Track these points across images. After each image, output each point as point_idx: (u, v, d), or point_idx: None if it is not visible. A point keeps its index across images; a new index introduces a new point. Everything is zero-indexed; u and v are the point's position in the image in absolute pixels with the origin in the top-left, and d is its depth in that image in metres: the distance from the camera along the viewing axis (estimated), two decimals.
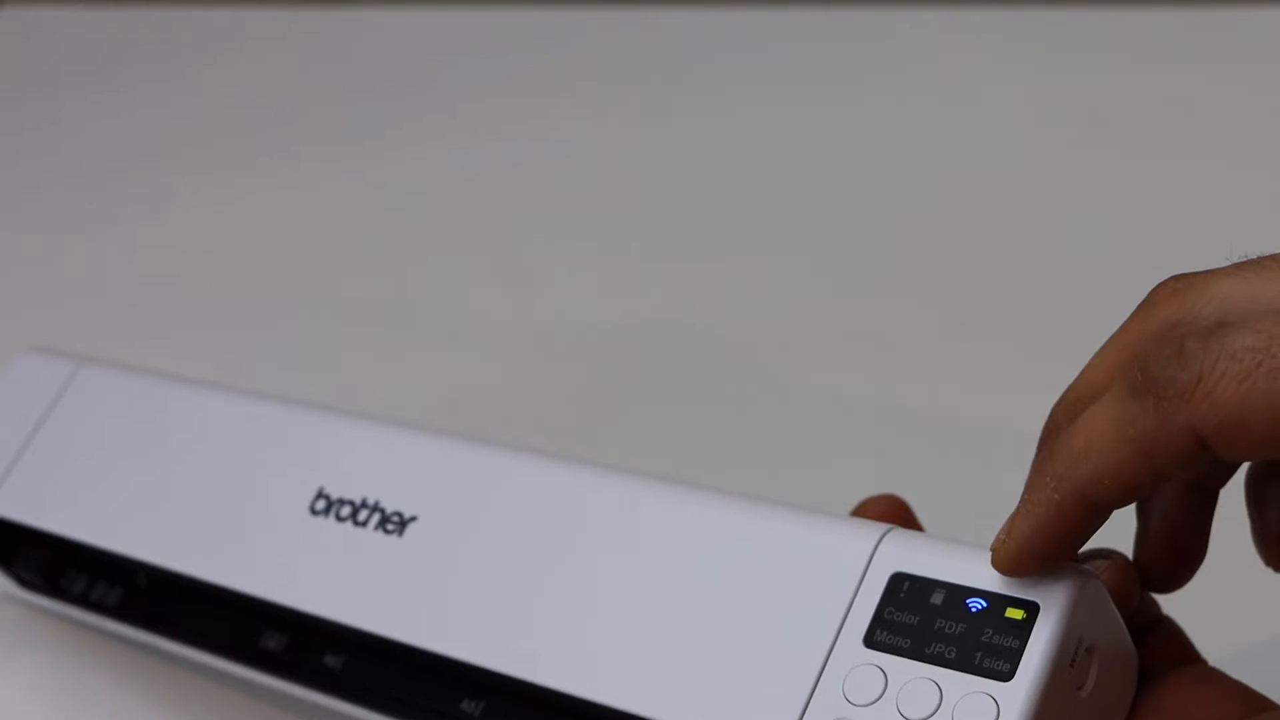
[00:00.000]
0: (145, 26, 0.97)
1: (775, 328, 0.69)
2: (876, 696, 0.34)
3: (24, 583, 0.56)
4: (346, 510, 0.49)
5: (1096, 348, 0.35)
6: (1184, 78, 0.84)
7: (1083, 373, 0.35)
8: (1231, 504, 0.37)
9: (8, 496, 0.55)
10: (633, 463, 0.44)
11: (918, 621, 0.35)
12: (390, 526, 0.47)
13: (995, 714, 0.33)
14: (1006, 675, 0.33)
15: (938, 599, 0.35)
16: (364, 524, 0.48)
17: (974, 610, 0.34)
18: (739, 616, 0.37)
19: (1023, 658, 0.33)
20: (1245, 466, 0.36)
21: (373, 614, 0.46)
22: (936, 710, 0.33)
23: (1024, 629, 0.34)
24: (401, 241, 0.79)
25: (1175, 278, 0.34)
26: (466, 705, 0.45)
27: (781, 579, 0.37)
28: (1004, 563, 0.34)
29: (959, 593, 0.35)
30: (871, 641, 0.35)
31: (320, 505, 0.49)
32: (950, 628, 0.34)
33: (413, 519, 0.47)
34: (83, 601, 0.54)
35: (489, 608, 0.43)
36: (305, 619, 0.48)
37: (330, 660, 0.48)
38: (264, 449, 0.53)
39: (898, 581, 0.36)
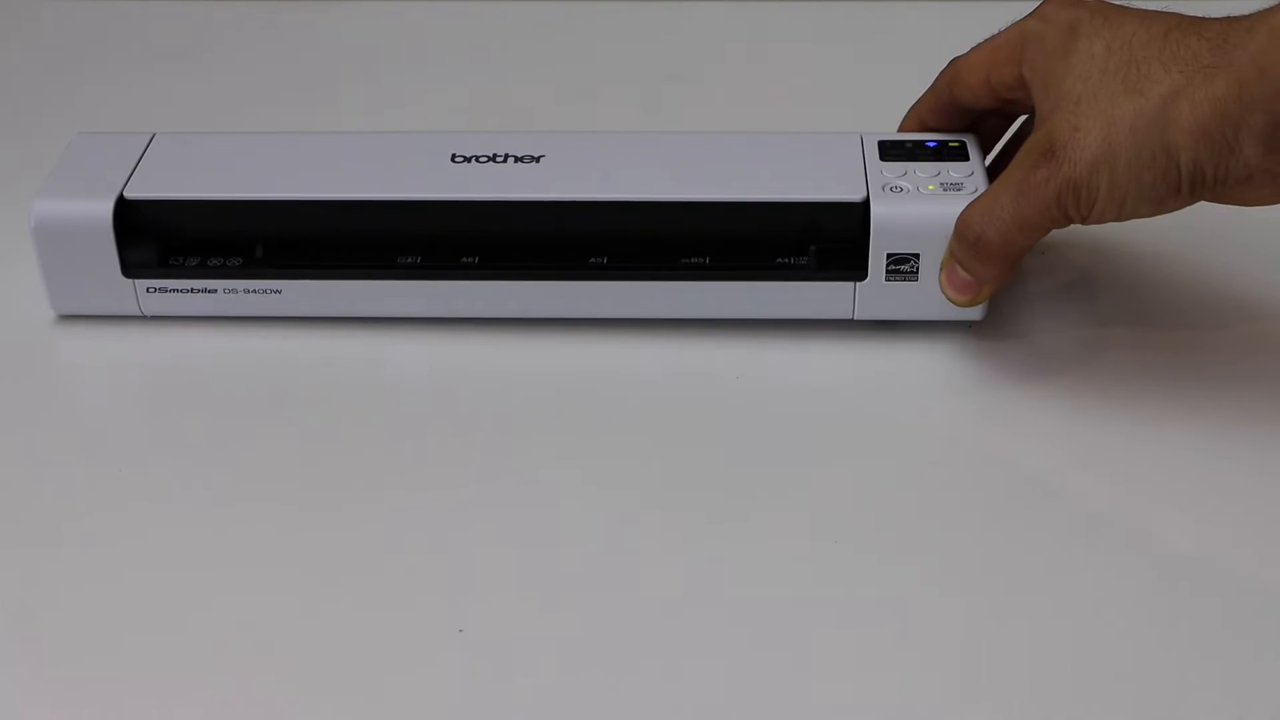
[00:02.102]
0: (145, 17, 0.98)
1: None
2: (903, 173, 0.64)
3: (134, 268, 0.60)
4: (484, 158, 0.62)
5: None
6: None
7: None
8: None
9: (136, 186, 0.60)
10: None
11: (904, 151, 0.66)
12: (525, 160, 0.62)
13: (971, 172, 0.64)
14: (966, 158, 0.65)
15: (910, 146, 0.66)
16: (503, 162, 0.62)
17: (931, 145, 0.66)
18: (796, 160, 0.65)
19: (968, 150, 0.66)
20: None
21: (539, 187, 0.61)
22: (939, 173, 0.64)
23: (964, 147, 0.66)
24: None
25: None
26: (594, 260, 0.62)
27: (818, 143, 0.67)
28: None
29: (919, 141, 0.66)
30: (884, 156, 0.66)
31: (459, 158, 0.62)
32: (923, 152, 0.66)
33: (542, 155, 0.63)
34: (201, 271, 0.59)
35: (631, 168, 0.63)
36: (443, 233, 0.60)
37: (466, 259, 0.61)
38: (386, 141, 0.63)
39: (883, 143, 0.66)
